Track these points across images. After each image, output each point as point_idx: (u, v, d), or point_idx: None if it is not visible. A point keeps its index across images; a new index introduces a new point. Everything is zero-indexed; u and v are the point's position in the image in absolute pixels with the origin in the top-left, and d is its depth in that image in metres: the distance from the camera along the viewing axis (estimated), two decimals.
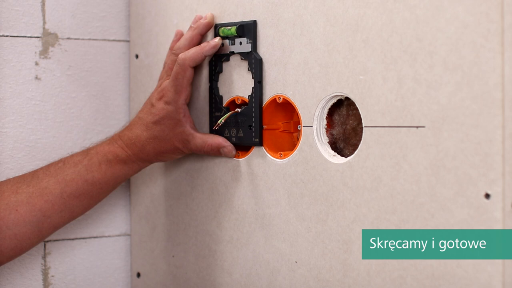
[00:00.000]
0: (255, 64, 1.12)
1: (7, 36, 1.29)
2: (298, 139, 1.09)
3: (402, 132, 0.95)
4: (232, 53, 1.15)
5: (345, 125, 1.07)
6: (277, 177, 1.11)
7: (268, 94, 1.12)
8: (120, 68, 1.38)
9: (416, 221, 0.94)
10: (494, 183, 0.87)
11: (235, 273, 1.17)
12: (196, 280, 1.24)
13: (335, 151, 1.06)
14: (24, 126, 1.30)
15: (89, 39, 1.35)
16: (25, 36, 1.30)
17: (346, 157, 1.04)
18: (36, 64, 1.31)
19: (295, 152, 1.09)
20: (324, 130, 1.07)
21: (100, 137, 1.35)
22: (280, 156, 1.11)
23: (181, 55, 1.16)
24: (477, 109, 0.88)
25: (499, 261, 0.87)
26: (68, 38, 1.33)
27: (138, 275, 1.37)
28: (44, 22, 1.31)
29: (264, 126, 1.13)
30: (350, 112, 1.06)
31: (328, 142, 1.07)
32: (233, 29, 1.13)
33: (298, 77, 1.07)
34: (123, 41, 1.38)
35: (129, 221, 1.38)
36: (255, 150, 1.14)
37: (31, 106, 1.30)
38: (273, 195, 1.11)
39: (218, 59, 1.17)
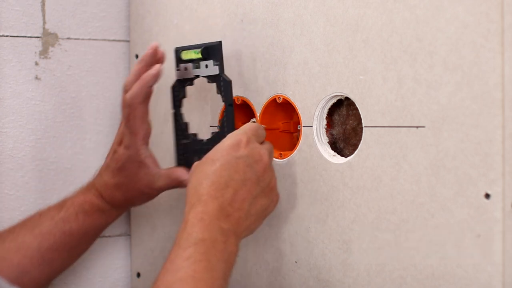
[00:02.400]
0: (225, 87, 1.06)
1: (7, 36, 1.29)
2: (298, 139, 1.09)
3: (402, 132, 0.95)
4: (197, 76, 1.09)
5: (345, 125, 1.07)
6: (277, 177, 1.10)
7: (268, 94, 1.12)
8: (120, 68, 1.38)
9: (416, 221, 0.94)
10: (494, 183, 0.87)
11: (235, 273, 1.17)
12: None
13: (335, 151, 1.06)
14: (24, 126, 1.30)
15: (89, 39, 1.35)
16: (25, 36, 1.30)
17: (346, 157, 1.04)
18: (36, 64, 1.31)
19: (295, 152, 1.09)
20: (324, 130, 1.07)
21: (100, 137, 1.35)
22: (280, 156, 1.11)
23: (126, 96, 1.11)
24: (477, 109, 0.88)
25: (499, 261, 0.87)
26: (68, 38, 1.33)
27: (138, 275, 1.37)
28: (44, 22, 1.31)
29: (264, 126, 1.13)
30: (350, 112, 1.06)
31: (328, 142, 1.07)
32: (198, 51, 1.07)
33: (298, 77, 1.07)
34: (123, 41, 1.38)
35: (129, 221, 1.38)
36: None
37: (31, 106, 1.30)
38: None
39: (181, 84, 1.11)
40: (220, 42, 1.05)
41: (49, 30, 1.31)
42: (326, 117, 1.07)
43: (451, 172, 0.91)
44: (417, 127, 0.94)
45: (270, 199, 1.02)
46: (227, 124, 1.05)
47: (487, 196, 0.88)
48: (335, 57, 1.03)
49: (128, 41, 1.38)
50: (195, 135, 1.08)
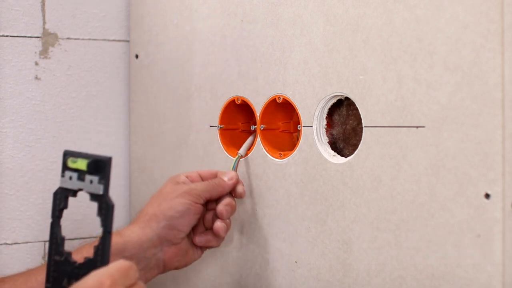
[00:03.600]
0: (106, 211, 0.92)
1: (7, 36, 1.29)
2: (298, 139, 1.09)
3: (402, 132, 0.95)
4: (80, 190, 0.93)
5: (345, 125, 1.07)
6: (277, 177, 1.11)
7: (268, 94, 1.12)
8: (120, 68, 1.38)
9: (416, 221, 0.94)
10: (494, 183, 0.87)
11: (235, 273, 1.17)
12: (196, 280, 1.24)
13: (335, 151, 1.06)
14: (24, 126, 1.30)
15: (89, 39, 1.35)
16: (25, 36, 1.30)
17: (346, 157, 1.04)
18: (36, 64, 1.31)
19: (295, 152, 1.09)
20: (324, 130, 1.07)
21: (100, 137, 1.35)
22: (280, 156, 1.11)
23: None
24: (477, 109, 0.88)
25: (499, 261, 0.87)
26: (68, 38, 1.33)
27: None
28: (44, 22, 1.31)
29: (264, 126, 1.13)
30: (350, 112, 1.06)
31: (328, 142, 1.07)
32: (84, 163, 0.92)
33: (298, 77, 1.07)
34: (123, 41, 1.38)
35: (129, 221, 1.38)
36: (255, 150, 1.14)
37: (31, 106, 1.30)
38: (273, 195, 1.11)
39: (64, 193, 0.94)
40: (110, 158, 0.92)
41: (49, 30, 1.31)
42: (326, 117, 1.07)
43: (451, 172, 0.91)
44: (417, 127, 0.94)
45: None
46: (102, 253, 0.92)
47: (487, 196, 0.88)
48: (335, 57, 1.03)
49: (128, 41, 1.38)
50: (69, 254, 0.94)
